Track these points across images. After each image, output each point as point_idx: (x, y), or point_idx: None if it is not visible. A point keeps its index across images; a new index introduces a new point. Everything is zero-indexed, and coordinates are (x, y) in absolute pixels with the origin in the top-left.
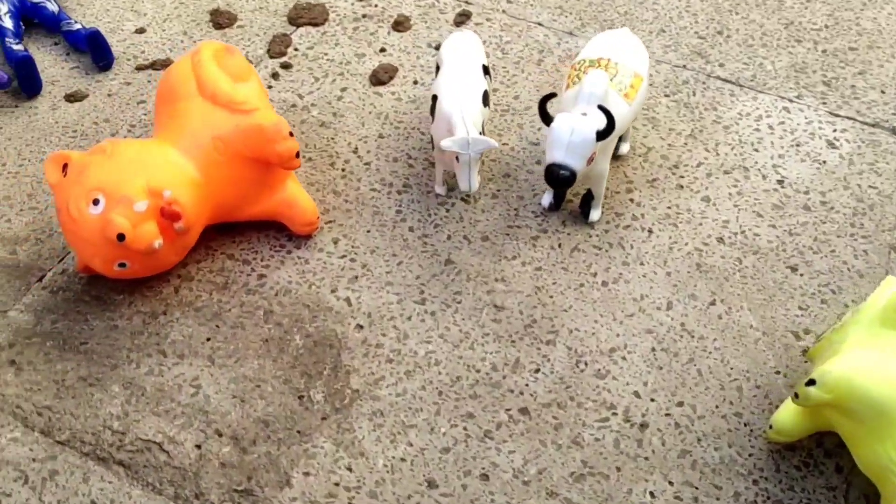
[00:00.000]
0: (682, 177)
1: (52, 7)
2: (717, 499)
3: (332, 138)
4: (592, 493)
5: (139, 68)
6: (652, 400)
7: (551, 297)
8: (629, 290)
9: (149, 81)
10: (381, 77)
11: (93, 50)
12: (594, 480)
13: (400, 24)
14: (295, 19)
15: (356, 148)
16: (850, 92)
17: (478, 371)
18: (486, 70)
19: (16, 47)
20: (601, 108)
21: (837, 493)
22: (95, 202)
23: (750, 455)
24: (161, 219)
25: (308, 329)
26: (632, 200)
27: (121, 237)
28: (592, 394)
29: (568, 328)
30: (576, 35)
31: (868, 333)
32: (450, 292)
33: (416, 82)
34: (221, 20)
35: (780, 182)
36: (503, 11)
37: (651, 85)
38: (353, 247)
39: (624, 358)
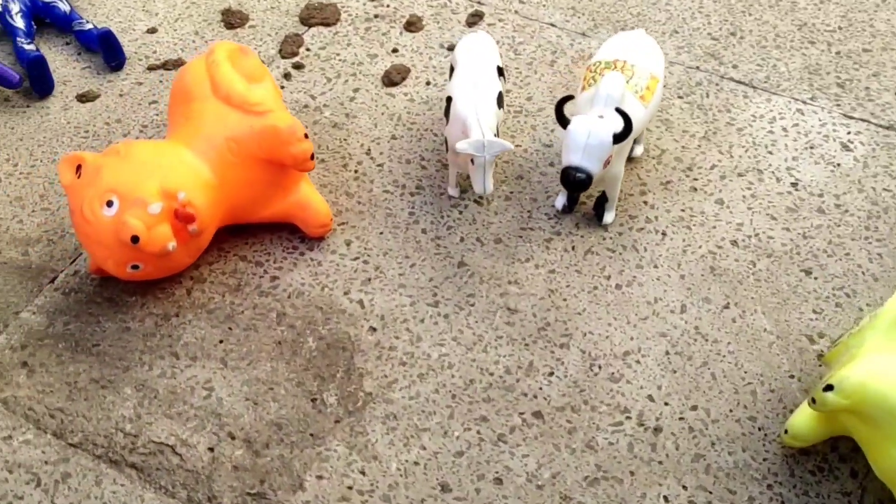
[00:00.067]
0: (695, 179)
1: (64, 7)
2: (731, 503)
3: (345, 139)
4: (606, 497)
5: (151, 68)
6: (666, 404)
7: (565, 299)
8: (643, 293)
9: (161, 81)
10: (393, 78)
11: (105, 50)
12: (608, 485)
13: (412, 25)
14: (307, 19)
15: (369, 149)
16: (864, 94)
17: (491, 374)
18: (500, 71)
19: (28, 47)
20: (618, 110)
21: (852, 499)
22: (109, 204)
23: (764, 459)
24: (174, 221)
25: (321, 331)
26: (645, 203)
27: (135, 239)
28: (606, 397)
29: (581, 331)
30: (588, 36)
31: (886, 338)
32: (463, 295)
33: (428, 83)
34: (233, 20)
35: (794, 185)
36: (516, 12)
37: (664, 86)
38: (365, 249)
39: (638, 361)
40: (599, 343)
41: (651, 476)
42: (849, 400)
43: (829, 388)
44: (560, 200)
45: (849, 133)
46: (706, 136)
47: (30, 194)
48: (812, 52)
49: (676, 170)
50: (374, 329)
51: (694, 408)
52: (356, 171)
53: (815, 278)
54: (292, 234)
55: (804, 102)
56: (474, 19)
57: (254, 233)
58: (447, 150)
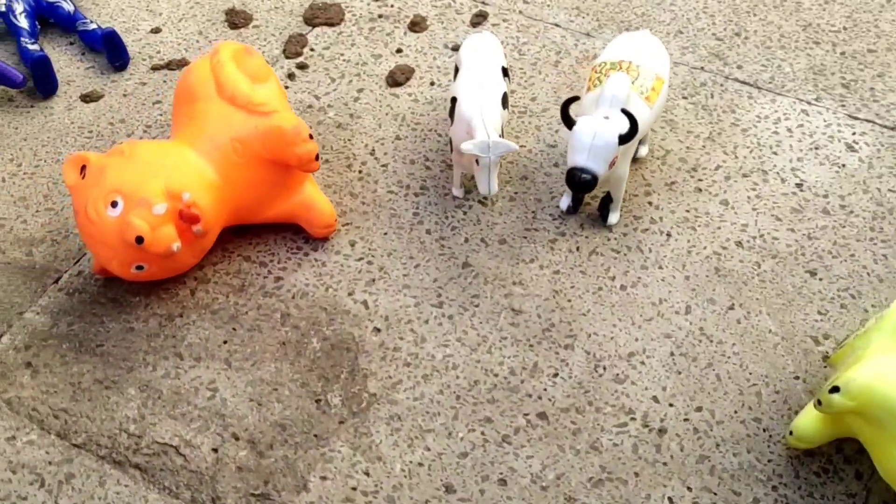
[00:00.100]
0: (700, 180)
1: (68, 7)
2: None
3: (349, 140)
4: (611, 498)
5: (155, 68)
6: (670, 405)
7: (569, 300)
8: (647, 294)
9: (164, 81)
10: (397, 78)
11: (108, 50)
12: (612, 486)
13: (416, 25)
14: (311, 19)
15: (373, 150)
16: (869, 94)
17: (496, 375)
18: (505, 72)
19: (31, 47)
20: (624, 111)
21: (857, 500)
22: (114, 204)
23: (769, 461)
24: (179, 221)
25: (325, 332)
26: (650, 203)
27: (139, 240)
28: (611, 398)
29: (586, 332)
30: (593, 36)
31: (891, 340)
32: (467, 295)
33: (432, 83)
34: (237, 20)
35: (798, 185)
36: (520, 12)
37: (669, 87)
38: (370, 249)
39: (642, 362)
40: (604, 344)
41: (656, 477)
42: (855, 402)
43: (835, 389)
44: (565, 201)
45: (854, 134)
46: (711, 136)
47: (34, 194)
48: (817, 53)
49: (681, 170)
50: (379, 330)
51: (699, 409)
52: (360, 172)
53: (821, 279)
54: (296, 235)
55: (809, 103)
56: (478, 19)
57: (258, 233)
58: (452, 150)
